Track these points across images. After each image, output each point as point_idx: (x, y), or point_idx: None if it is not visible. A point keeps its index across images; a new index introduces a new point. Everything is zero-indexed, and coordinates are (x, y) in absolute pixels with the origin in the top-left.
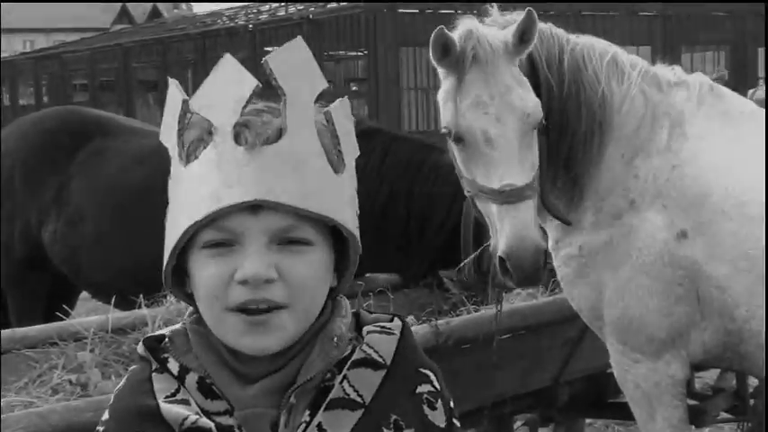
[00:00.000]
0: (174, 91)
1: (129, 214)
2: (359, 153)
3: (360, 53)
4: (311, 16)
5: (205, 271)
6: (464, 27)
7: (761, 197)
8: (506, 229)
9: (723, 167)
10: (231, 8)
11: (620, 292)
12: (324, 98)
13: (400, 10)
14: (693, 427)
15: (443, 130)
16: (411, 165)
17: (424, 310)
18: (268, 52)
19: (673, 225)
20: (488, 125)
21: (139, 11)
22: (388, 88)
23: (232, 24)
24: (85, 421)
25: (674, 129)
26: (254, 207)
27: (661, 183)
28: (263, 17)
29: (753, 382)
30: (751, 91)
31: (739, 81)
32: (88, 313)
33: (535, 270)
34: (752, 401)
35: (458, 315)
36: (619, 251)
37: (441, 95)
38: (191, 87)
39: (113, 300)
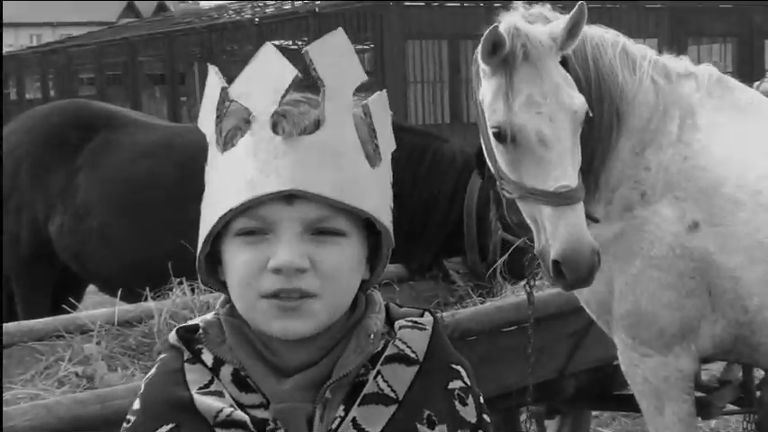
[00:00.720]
0: (214, 78)
1: (135, 207)
2: (395, 147)
3: (366, 47)
4: (317, 10)
5: (239, 258)
6: (508, 23)
7: None
8: (562, 231)
9: (734, 158)
10: (237, 2)
11: (630, 286)
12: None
13: (407, 3)
14: (700, 419)
15: (493, 131)
16: (413, 155)
17: (430, 302)
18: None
19: (684, 217)
20: (542, 125)
21: (146, 5)
22: (395, 81)
23: (238, 18)
24: (91, 413)
25: (684, 120)
26: (289, 197)
27: (672, 174)
28: (270, 11)
29: (759, 374)
30: (756, 83)
31: (745, 73)
32: (95, 306)
33: (590, 272)
34: (758, 393)
35: (464, 307)
36: (630, 244)
37: (486, 94)
38: (197, 81)
39: (119, 293)
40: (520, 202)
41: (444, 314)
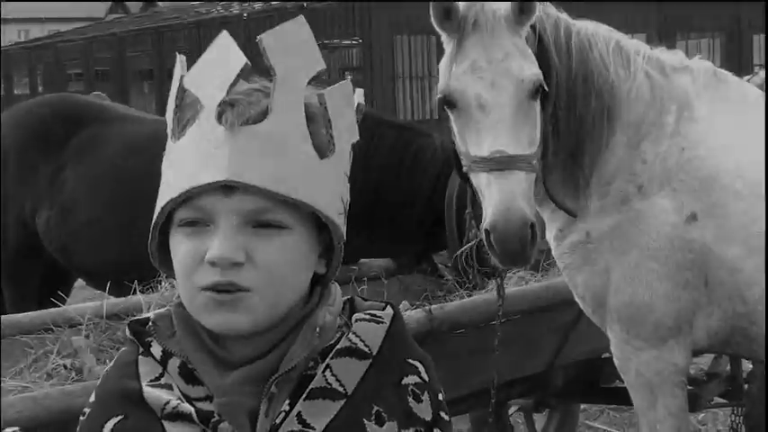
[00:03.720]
0: (178, 67)
1: (122, 201)
2: (358, 137)
3: (354, 42)
4: (305, 5)
5: (180, 249)
6: None
7: None
8: (493, 199)
9: (732, 149)
10: None
11: (627, 278)
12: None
13: None
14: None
15: (438, 96)
16: (396, 149)
17: (419, 296)
18: (255, 44)
19: (682, 208)
20: (482, 90)
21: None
22: (383, 77)
23: (226, 13)
24: (80, 405)
25: (681, 112)
26: (227, 188)
27: (670, 166)
28: (258, 6)
29: (746, 366)
30: (746, 77)
31: (734, 69)
32: (84, 300)
33: (521, 246)
34: (746, 386)
35: (452, 300)
36: (627, 236)
37: (441, 62)
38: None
39: (108, 286)
40: (470, 174)
41: (433, 307)
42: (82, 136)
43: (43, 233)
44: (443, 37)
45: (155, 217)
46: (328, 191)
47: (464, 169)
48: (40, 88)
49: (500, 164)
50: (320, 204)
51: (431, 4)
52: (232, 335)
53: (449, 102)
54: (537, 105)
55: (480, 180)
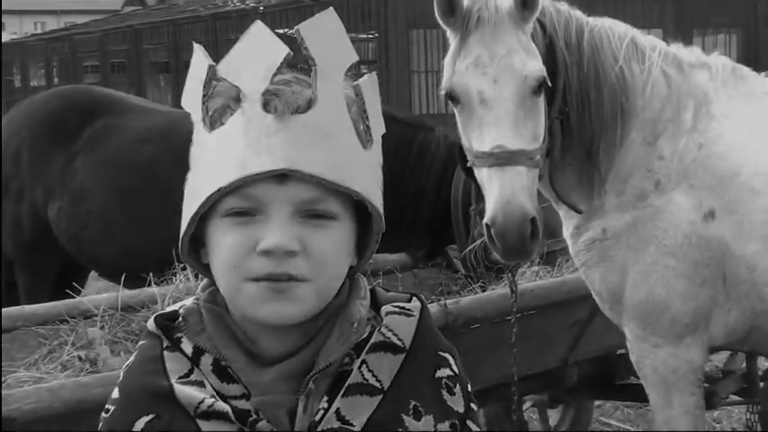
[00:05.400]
0: (200, 56)
1: (133, 192)
2: (384, 130)
3: (370, 35)
4: None
5: (226, 239)
6: None
7: None
8: (493, 193)
9: (751, 146)
10: None
11: (644, 274)
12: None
13: None
14: None
15: (442, 92)
16: (401, 145)
17: (433, 290)
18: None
19: (700, 205)
20: (485, 85)
21: None
22: (399, 71)
23: (243, 6)
24: (95, 397)
25: (699, 109)
26: (281, 177)
27: (687, 163)
28: None
29: (762, 364)
30: (764, 74)
31: (751, 64)
32: (98, 293)
33: (521, 240)
34: (761, 384)
35: (466, 295)
36: (644, 233)
37: (446, 58)
38: None
39: (123, 277)
40: (474, 170)
41: (448, 301)
42: (95, 126)
43: (54, 223)
44: (448, 32)
45: (195, 206)
46: (372, 180)
47: (468, 164)
48: (56, 80)
49: (501, 159)
50: (368, 194)
51: None
52: (269, 330)
53: (452, 97)
54: (541, 101)
55: (482, 175)
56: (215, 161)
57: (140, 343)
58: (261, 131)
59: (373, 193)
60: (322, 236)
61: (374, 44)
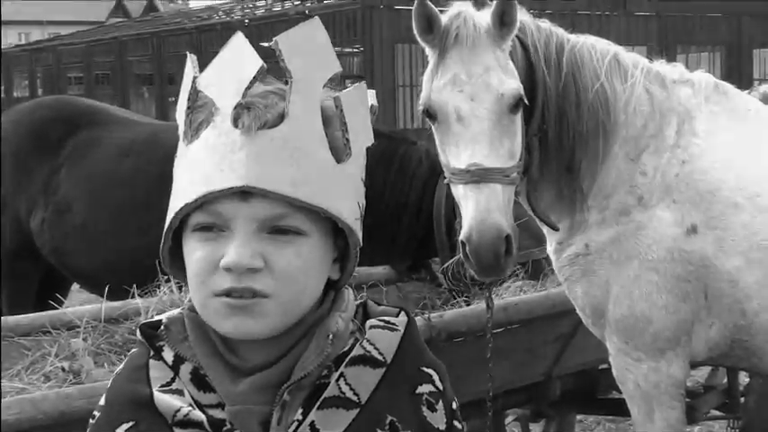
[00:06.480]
0: (189, 67)
1: (116, 204)
2: (372, 140)
3: (356, 50)
4: (307, 12)
5: (194, 254)
6: (454, 9)
7: None
8: (469, 211)
9: (733, 162)
10: (227, 3)
11: (627, 289)
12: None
13: (396, 6)
14: None
15: (420, 108)
16: (383, 159)
17: (418, 303)
18: (263, 48)
19: (683, 221)
20: (461, 103)
21: (135, 4)
22: (384, 85)
23: (228, 19)
24: (77, 408)
25: (681, 125)
26: (245, 193)
27: (670, 178)
28: (260, 12)
29: (743, 380)
30: (746, 92)
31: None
32: (81, 305)
33: (495, 258)
34: (742, 399)
35: (450, 309)
36: (627, 248)
37: (424, 74)
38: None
39: (106, 289)
40: (451, 186)
41: (432, 315)
42: (79, 138)
43: (37, 234)
44: (426, 49)
45: (168, 221)
46: (345, 195)
47: (445, 180)
48: (40, 91)
49: (476, 176)
50: (337, 210)
51: (413, 16)
52: (247, 340)
53: (430, 114)
54: (518, 119)
55: (458, 192)
56: (186, 175)
57: (132, 351)
58: (227, 147)
59: (344, 207)
60: (287, 252)
61: (359, 58)
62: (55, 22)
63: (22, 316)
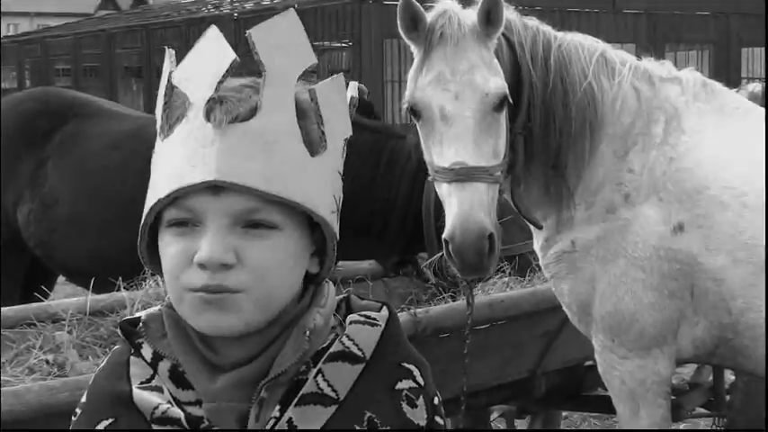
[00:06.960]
0: (166, 62)
1: (103, 197)
2: (351, 133)
3: (344, 45)
4: (296, 6)
5: (168, 250)
6: (440, 6)
7: (760, 186)
8: (452, 209)
9: (720, 160)
10: None
11: (613, 286)
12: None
13: (386, 2)
14: None
15: (404, 105)
16: (371, 153)
17: (404, 299)
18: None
19: (669, 219)
20: (446, 101)
21: None
22: (373, 80)
23: (217, 12)
24: (61, 401)
25: (669, 123)
26: (216, 188)
27: (657, 176)
28: (248, 6)
29: (729, 378)
30: (734, 90)
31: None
32: (67, 297)
33: (478, 256)
34: (728, 397)
35: (436, 304)
36: (613, 245)
37: (410, 72)
38: None
39: (92, 282)
40: (436, 186)
41: (418, 310)
42: (66, 130)
43: (23, 227)
44: (411, 46)
45: (143, 216)
46: (320, 189)
47: (429, 178)
48: (28, 83)
49: (460, 175)
50: (311, 203)
51: (398, 13)
52: (222, 336)
53: (414, 112)
54: (503, 117)
55: (442, 190)
56: (161, 170)
57: (114, 348)
58: (198, 141)
59: (319, 201)
60: (261, 246)
61: (347, 53)
62: (43, 13)
63: (7, 308)
